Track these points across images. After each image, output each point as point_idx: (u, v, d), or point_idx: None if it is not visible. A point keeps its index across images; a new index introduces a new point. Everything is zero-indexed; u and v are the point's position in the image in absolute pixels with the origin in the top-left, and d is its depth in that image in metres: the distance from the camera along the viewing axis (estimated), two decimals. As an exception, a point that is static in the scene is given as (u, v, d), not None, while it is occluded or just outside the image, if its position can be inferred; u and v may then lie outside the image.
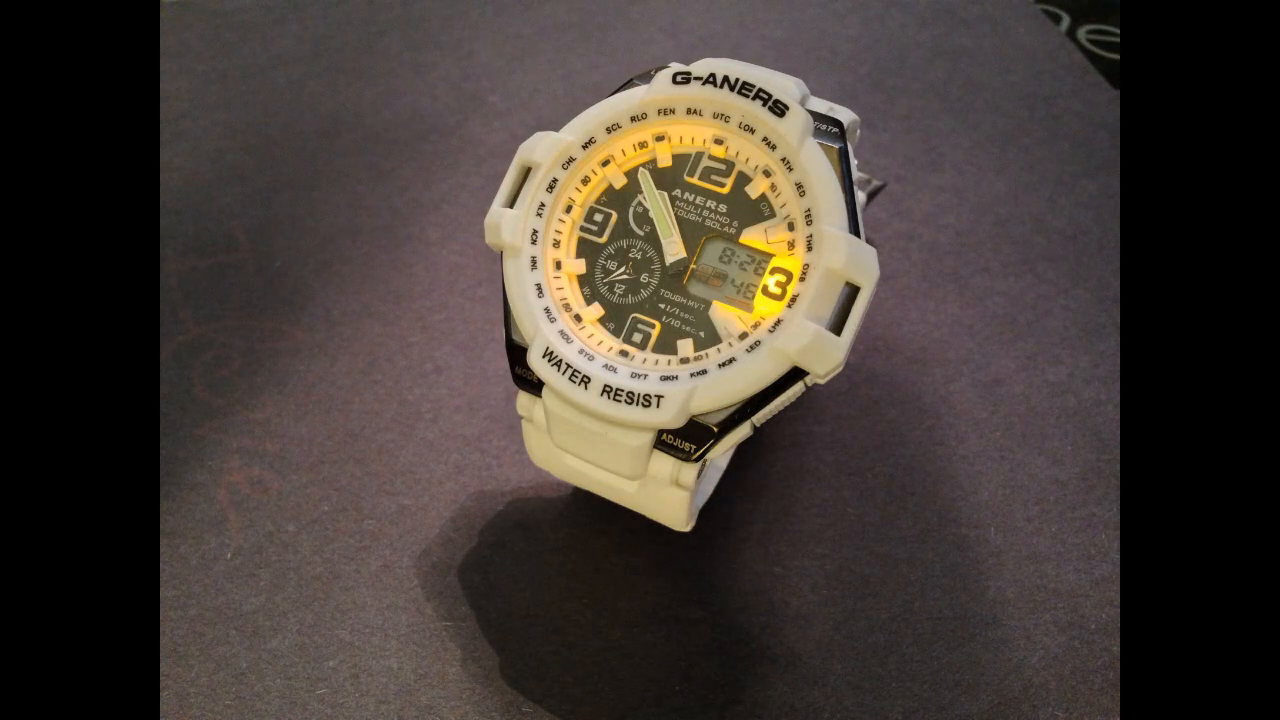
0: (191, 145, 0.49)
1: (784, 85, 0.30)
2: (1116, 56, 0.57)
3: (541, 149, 0.31)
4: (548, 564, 0.34)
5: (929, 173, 0.48)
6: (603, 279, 0.31)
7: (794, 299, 0.28)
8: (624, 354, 0.29)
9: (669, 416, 0.28)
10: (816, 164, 0.28)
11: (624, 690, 0.31)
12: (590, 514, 0.35)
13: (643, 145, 0.31)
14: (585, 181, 0.31)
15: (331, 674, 0.31)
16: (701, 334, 0.29)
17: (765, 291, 0.29)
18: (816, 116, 0.30)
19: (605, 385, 0.28)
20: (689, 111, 0.30)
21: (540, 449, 0.32)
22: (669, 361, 0.29)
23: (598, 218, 0.31)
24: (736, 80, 0.30)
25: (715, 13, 0.58)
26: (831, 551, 0.34)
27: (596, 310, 0.30)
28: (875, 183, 0.40)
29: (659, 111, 0.30)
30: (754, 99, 0.29)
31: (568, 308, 0.30)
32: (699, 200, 0.30)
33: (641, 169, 0.31)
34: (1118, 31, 0.59)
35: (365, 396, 0.39)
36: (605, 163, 0.31)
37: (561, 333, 0.29)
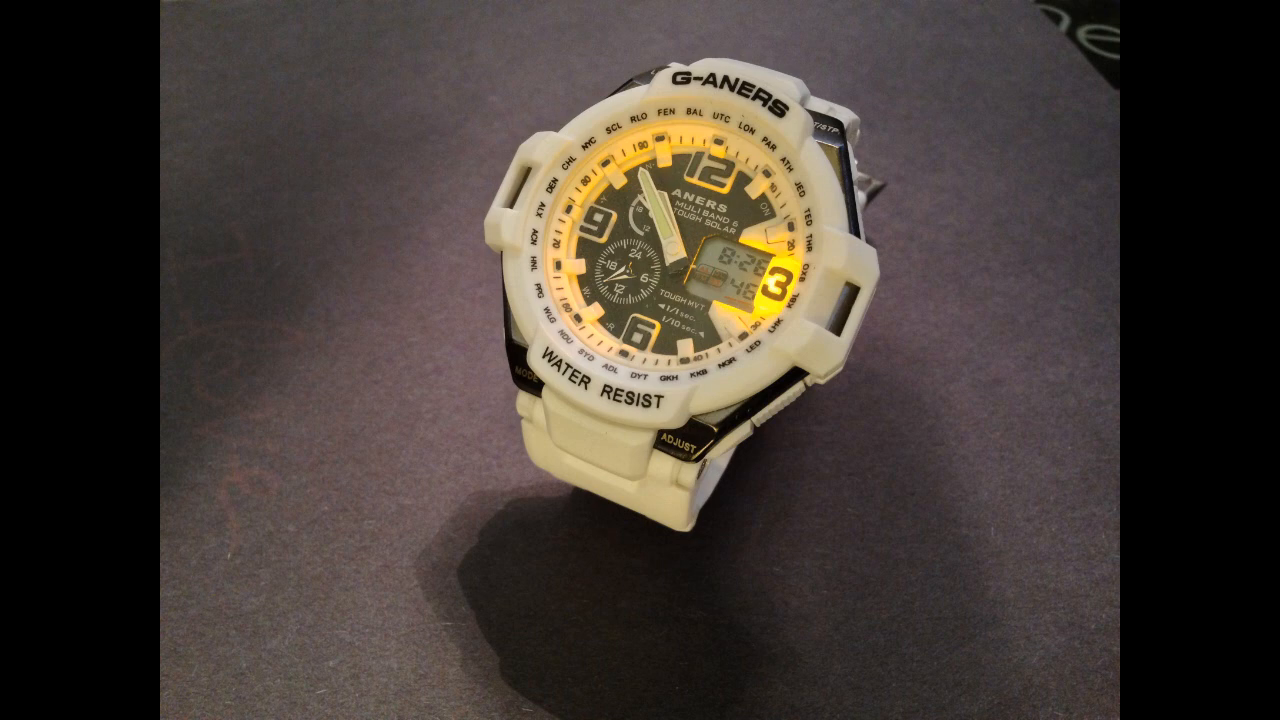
0: (191, 145, 0.49)
1: (784, 85, 0.30)
2: (1116, 56, 0.57)
3: (541, 149, 0.31)
4: (548, 564, 0.34)
5: (929, 173, 0.48)
6: (603, 279, 0.31)
7: (794, 299, 0.28)
8: (624, 354, 0.29)
9: (669, 416, 0.28)
10: (816, 164, 0.28)
11: (624, 690, 0.31)
12: (590, 514, 0.35)
13: (643, 145, 0.31)
14: (585, 181, 0.31)
15: (331, 674, 0.31)
16: (701, 334, 0.29)
17: (765, 291, 0.29)
18: (816, 116, 0.30)
19: (605, 385, 0.28)
20: (689, 111, 0.30)
21: (540, 449, 0.32)
22: (669, 361, 0.29)
23: (598, 218, 0.31)
24: (736, 80, 0.30)
25: (715, 13, 0.58)
26: (831, 551, 0.34)
27: (596, 310, 0.30)
28: (875, 183, 0.40)
29: (659, 111, 0.30)
30: (754, 99, 0.29)
31: (568, 308, 0.30)
32: (699, 200, 0.30)
33: (641, 169, 0.31)
34: (1118, 31, 0.59)
35: (365, 396, 0.39)
36: (605, 163, 0.31)
37: (561, 333, 0.29)
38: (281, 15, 0.57)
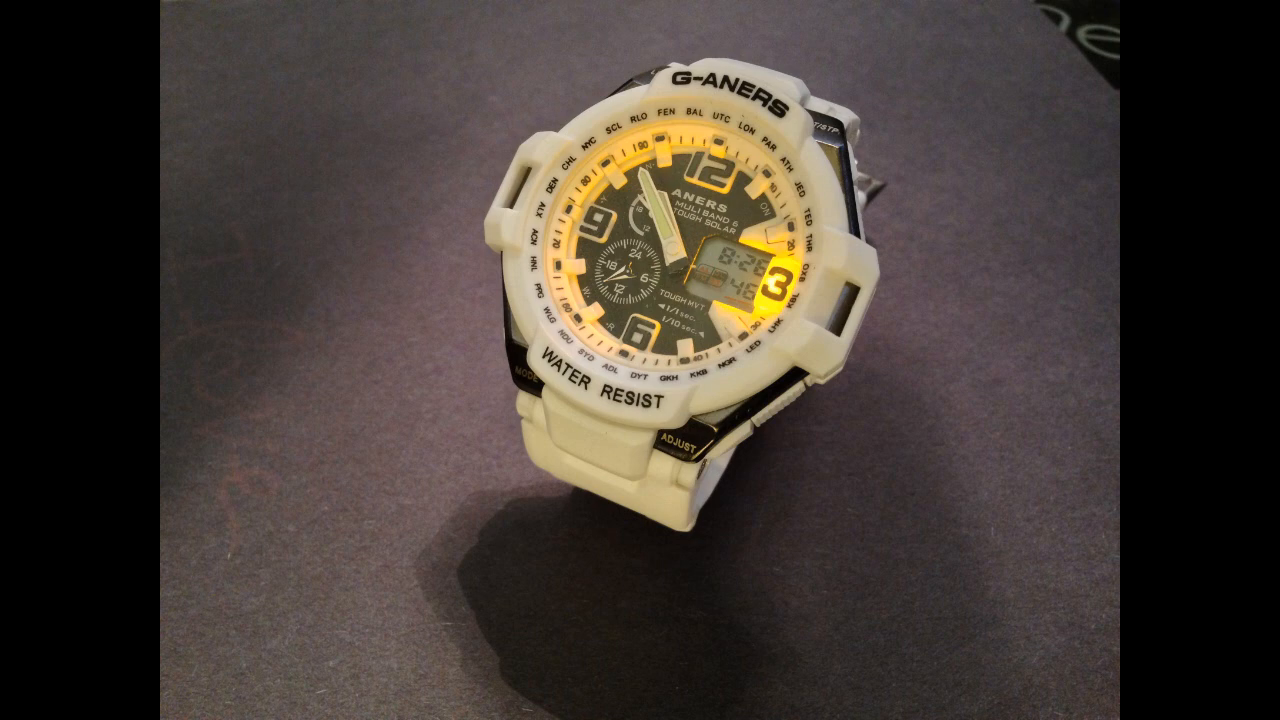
0: (191, 145, 0.49)
1: (784, 85, 0.30)
2: (1116, 56, 0.57)
3: (541, 149, 0.31)
4: (548, 564, 0.34)
5: (929, 173, 0.48)
6: (603, 279, 0.31)
7: (794, 299, 0.28)
8: (624, 354, 0.29)
9: (669, 416, 0.28)
10: (816, 164, 0.28)
11: (624, 690, 0.31)
12: (590, 514, 0.35)
13: (643, 145, 0.31)
14: (585, 181, 0.31)
15: (331, 674, 0.31)
16: (701, 334, 0.29)
17: (765, 291, 0.29)
18: (816, 116, 0.30)
19: (605, 385, 0.28)
20: (689, 111, 0.30)
21: (540, 449, 0.32)
22: (669, 361, 0.29)
23: (598, 218, 0.31)
24: (736, 80, 0.30)
25: (715, 13, 0.58)
26: (831, 551, 0.34)
27: (596, 310, 0.30)
28: (875, 183, 0.40)
29: (659, 111, 0.30)
30: (754, 99, 0.29)
31: (568, 308, 0.30)
32: (699, 200, 0.30)
33: (641, 169, 0.31)
34: (1118, 31, 0.59)
35: (365, 396, 0.39)
36: (605, 163, 0.31)
37: (561, 333, 0.29)
38: (281, 15, 0.57)
